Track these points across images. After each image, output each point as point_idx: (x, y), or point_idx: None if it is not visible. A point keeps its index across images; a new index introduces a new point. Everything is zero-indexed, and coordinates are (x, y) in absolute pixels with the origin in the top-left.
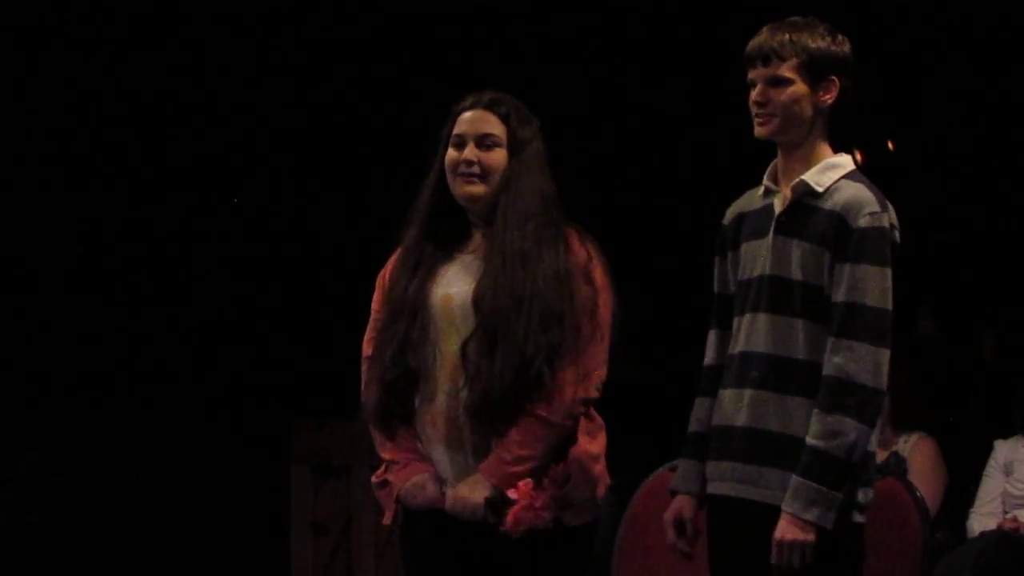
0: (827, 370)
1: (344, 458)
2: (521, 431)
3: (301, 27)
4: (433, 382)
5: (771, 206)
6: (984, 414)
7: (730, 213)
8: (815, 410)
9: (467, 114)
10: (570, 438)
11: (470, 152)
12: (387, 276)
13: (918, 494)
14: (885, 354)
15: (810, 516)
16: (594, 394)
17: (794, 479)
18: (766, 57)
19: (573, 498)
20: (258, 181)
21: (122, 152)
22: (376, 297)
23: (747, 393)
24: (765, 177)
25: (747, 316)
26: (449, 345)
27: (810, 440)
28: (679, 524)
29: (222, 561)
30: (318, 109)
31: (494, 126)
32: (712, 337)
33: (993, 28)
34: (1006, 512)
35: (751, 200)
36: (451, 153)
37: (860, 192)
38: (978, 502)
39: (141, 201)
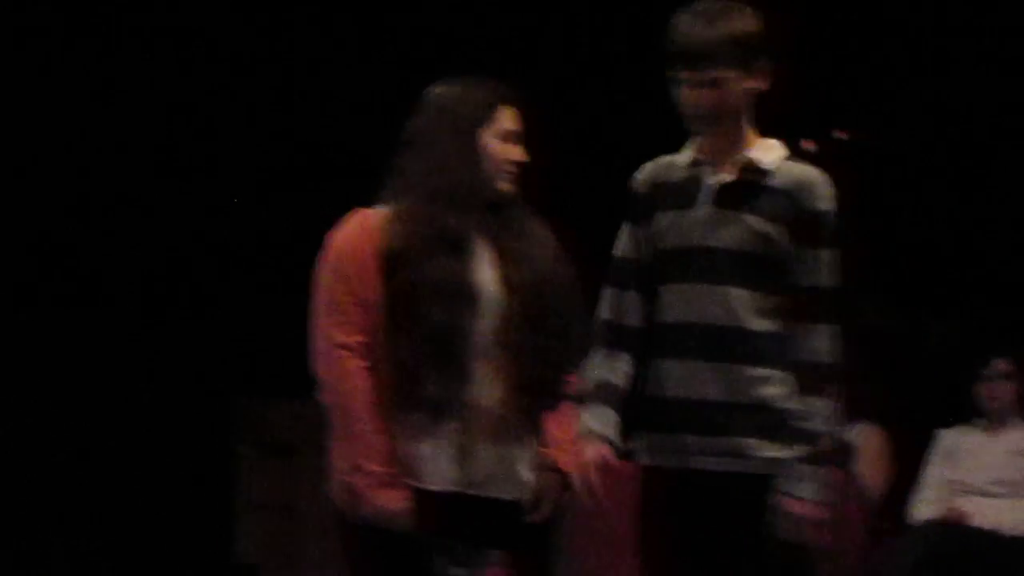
0: (814, 355)
1: (289, 437)
2: (571, 416)
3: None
4: (475, 374)
5: (698, 178)
6: (930, 403)
7: (643, 181)
8: (800, 395)
9: (512, 110)
10: None
11: (522, 153)
12: (383, 252)
13: (862, 482)
14: (839, 330)
15: (825, 499)
16: None
17: (804, 466)
18: (695, 60)
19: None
20: (201, 154)
21: (74, 121)
22: (353, 277)
23: (690, 365)
24: (690, 148)
25: (683, 286)
26: (485, 332)
27: (806, 424)
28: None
29: (165, 540)
30: (259, 86)
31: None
32: (619, 296)
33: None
34: (948, 500)
35: (669, 170)
36: (504, 148)
37: (811, 173)
38: (921, 489)
39: (85, 175)
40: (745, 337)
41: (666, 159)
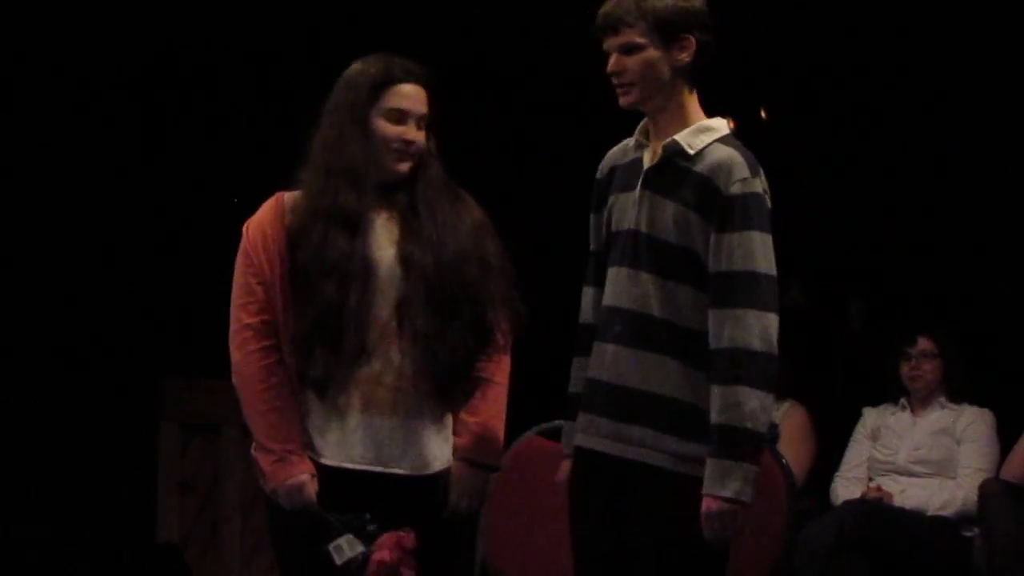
0: (717, 343)
1: (213, 416)
2: (489, 402)
3: None
4: (376, 349)
5: (640, 160)
6: (853, 383)
7: (604, 166)
8: (714, 385)
9: (407, 88)
10: None
11: (413, 133)
12: (288, 231)
13: (784, 461)
14: (772, 318)
15: (727, 492)
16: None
17: (708, 460)
18: (614, 26)
19: None
20: (120, 126)
21: None
22: (258, 258)
23: (610, 348)
24: (637, 131)
25: (613, 270)
26: (382, 310)
27: (715, 418)
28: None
29: (87, 518)
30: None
31: (427, 105)
32: (587, 294)
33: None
34: (871, 479)
35: (624, 152)
36: (390, 127)
37: (731, 156)
38: (844, 467)
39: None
40: (658, 326)
41: (623, 143)
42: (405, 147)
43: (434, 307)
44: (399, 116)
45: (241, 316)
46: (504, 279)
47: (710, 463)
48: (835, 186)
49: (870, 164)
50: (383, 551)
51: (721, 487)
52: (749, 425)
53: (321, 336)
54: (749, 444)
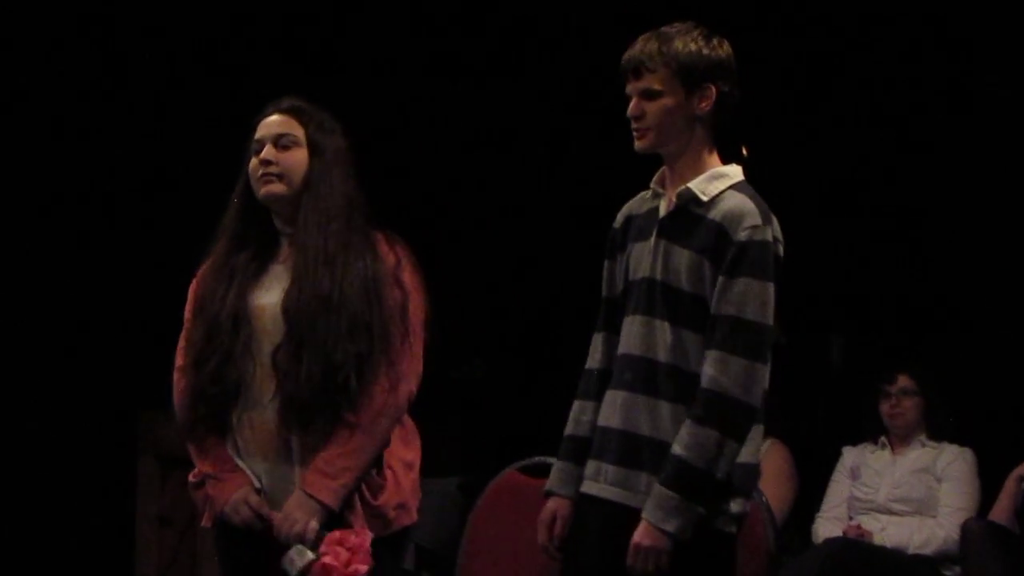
0: (702, 382)
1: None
2: (340, 443)
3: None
4: (253, 393)
5: (657, 209)
6: (832, 421)
7: (620, 216)
8: (687, 419)
9: (266, 120)
10: (386, 446)
11: (268, 152)
12: (198, 286)
13: (764, 499)
14: (761, 369)
15: (668, 527)
16: (404, 401)
17: (657, 486)
18: (636, 70)
19: (386, 507)
20: (98, 162)
21: None
22: (188, 307)
23: (620, 395)
24: (653, 180)
25: (629, 318)
26: (264, 356)
27: (676, 449)
28: (552, 526)
29: (66, 552)
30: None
31: (292, 127)
32: (596, 340)
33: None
34: (851, 517)
35: (640, 202)
36: (253, 160)
37: (743, 204)
38: (825, 506)
39: None
40: (668, 373)
41: (640, 194)
42: (264, 168)
43: (295, 347)
44: (258, 147)
45: (177, 357)
46: (385, 343)
47: (659, 491)
48: (815, 225)
49: (850, 202)
50: (327, 555)
51: (665, 521)
52: (704, 467)
53: (200, 382)
54: (702, 486)
